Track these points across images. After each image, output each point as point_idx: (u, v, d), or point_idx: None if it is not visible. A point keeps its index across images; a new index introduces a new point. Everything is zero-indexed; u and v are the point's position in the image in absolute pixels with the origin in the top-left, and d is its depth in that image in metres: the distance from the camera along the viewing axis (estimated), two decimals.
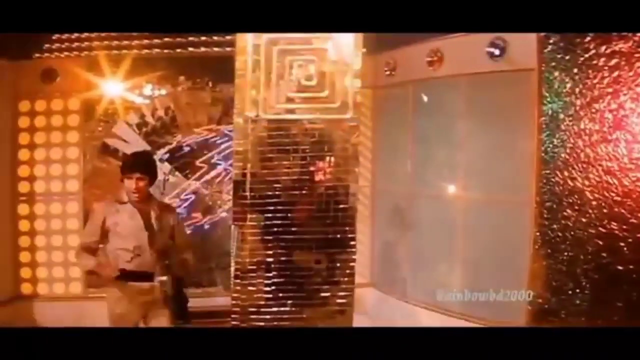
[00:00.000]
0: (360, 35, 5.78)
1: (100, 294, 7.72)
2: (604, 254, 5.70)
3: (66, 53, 8.04)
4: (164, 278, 5.63)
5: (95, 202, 6.00)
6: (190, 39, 7.99)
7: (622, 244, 5.58)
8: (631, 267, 5.56)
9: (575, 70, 5.86)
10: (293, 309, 6.02)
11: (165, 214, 5.81)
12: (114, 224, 5.57)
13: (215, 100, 8.25)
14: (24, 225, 8.20)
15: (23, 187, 8.16)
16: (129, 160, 5.82)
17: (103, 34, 7.89)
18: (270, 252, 5.97)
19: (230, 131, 7.85)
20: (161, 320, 5.70)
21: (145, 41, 7.96)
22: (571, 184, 5.91)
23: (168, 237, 5.78)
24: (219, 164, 8.25)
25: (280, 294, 6.00)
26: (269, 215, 5.89)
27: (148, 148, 8.01)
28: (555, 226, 6.05)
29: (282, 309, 6.01)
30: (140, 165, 5.65)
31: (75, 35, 7.95)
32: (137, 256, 5.55)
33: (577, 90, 5.86)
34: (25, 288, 8.26)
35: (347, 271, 6.03)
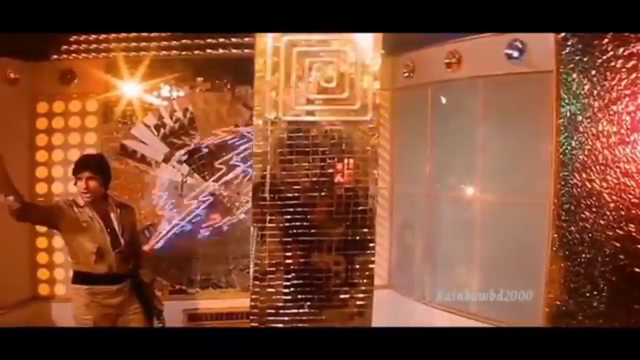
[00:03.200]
0: (379, 37, 5.88)
1: None
2: (622, 256, 5.75)
3: (84, 54, 8.15)
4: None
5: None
6: (209, 40, 8.11)
7: (639, 246, 5.67)
8: None
9: (593, 72, 5.92)
10: (312, 310, 6.13)
11: (125, 214, 6.04)
12: (77, 222, 5.74)
13: (234, 102, 8.33)
14: (41, 227, 8.25)
15: (40, 188, 8.28)
16: (79, 160, 5.99)
17: (121, 35, 8.00)
18: (289, 253, 6.07)
19: (248, 133, 7.98)
20: (134, 322, 5.91)
21: (164, 42, 8.07)
22: (589, 186, 5.97)
23: (129, 236, 5.99)
24: (238, 166, 8.35)
25: (299, 296, 6.12)
26: (288, 217, 6.00)
27: (166, 150, 8.19)
28: (573, 228, 6.11)
29: (301, 310, 6.12)
30: (90, 164, 5.83)
31: (93, 36, 8.05)
32: (101, 258, 5.71)
33: (595, 92, 5.91)
34: (43, 289, 8.40)
35: (366, 273, 6.15)
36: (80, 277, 5.83)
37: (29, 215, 5.74)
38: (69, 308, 7.11)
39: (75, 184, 5.82)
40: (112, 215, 5.88)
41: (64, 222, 5.75)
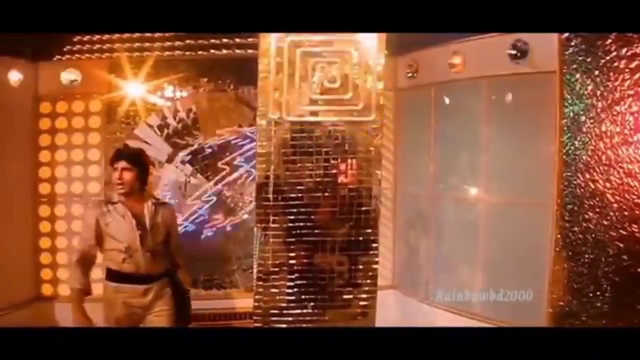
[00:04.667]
0: (383, 38, 5.90)
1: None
2: (625, 257, 5.77)
3: (87, 55, 8.20)
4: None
5: (86, 206, 6.08)
6: (213, 41, 8.15)
7: None
8: None
9: (597, 73, 5.94)
10: (315, 310, 6.14)
11: (160, 212, 5.89)
12: (106, 225, 5.66)
13: (238, 103, 8.35)
14: (44, 227, 8.39)
15: (44, 188, 8.34)
16: (116, 150, 5.98)
17: (125, 36, 8.05)
18: (293, 254, 6.08)
19: (252, 133, 8.01)
20: (158, 322, 5.81)
21: (167, 43, 8.12)
22: (592, 186, 5.99)
23: (164, 236, 5.88)
24: (241, 166, 8.36)
25: (303, 296, 6.13)
26: (292, 217, 6.03)
27: (170, 150, 8.22)
28: (576, 228, 6.13)
29: (304, 310, 6.14)
30: (126, 154, 5.77)
31: (97, 36, 8.10)
32: (129, 257, 5.64)
33: (598, 92, 5.94)
34: (46, 289, 8.44)
35: (370, 273, 6.17)
36: (109, 274, 5.80)
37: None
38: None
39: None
40: (146, 214, 5.76)
41: (98, 225, 5.73)
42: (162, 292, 5.82)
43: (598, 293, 5.98)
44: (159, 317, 5.79)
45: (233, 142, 8.35)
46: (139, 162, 5.79)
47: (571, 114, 6.15)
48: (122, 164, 5.65)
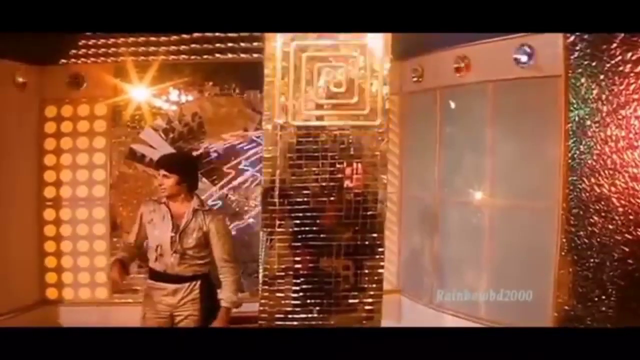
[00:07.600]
0: (388, 42, 5.92)
1: (126, 299, 8.04)
2: (631, 261, 5.82)
3: (93, 59, 8.25)
4: None
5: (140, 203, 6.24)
6: (218, 45, 8.19)
7: None
8: None
9: (602, 77, 5.99)
10: (321, 315, 6.17)
11: (201, 218, 5.85)
12: (149, 222, 5.83)
13: (243, 107, 8.40)
14: (49, 231, 8.44)
15: (49, 192, 8.40)
16: (158, 158, 6.06)
17: (130, 40, 8.10)
18: (298, 258, 6.12)
19: (257, 137, 8.06)
20: (186, 323, 5.83)
21: (173, 47, 8.17)
22: (598, 190, 6.04)
23: (197, 241, 5.84)
24: (247, 170, 8.40)
25: (308, 300, 6.16)
26: (297, 221, 6.07)
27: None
28: (581, 233, 6.17)
29: (310, 315, 6.17)
30: (164, 163, 5.84)
31: (102, 40, 8.15)
32: (160, 256, 5.73)
33: (603, 96, 5.99)
34: (51, 293, 8.49)
35: (375, 277, 6.20)
36: (149, 271, 5.98)
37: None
38: (77, 312, 7.17)
39: None
40: (185, 218, 5.80)
41: (141, 221, 5.93)
42: (191, 295, 5.84)
43: (603, 297, 6.02)
44: (187, 321, 5.84)
45: (238, 146, 8.39)
46: (178, 170, 5.79)
47: (576, 118, 6.20)
48: (162, 171, 5.75)
